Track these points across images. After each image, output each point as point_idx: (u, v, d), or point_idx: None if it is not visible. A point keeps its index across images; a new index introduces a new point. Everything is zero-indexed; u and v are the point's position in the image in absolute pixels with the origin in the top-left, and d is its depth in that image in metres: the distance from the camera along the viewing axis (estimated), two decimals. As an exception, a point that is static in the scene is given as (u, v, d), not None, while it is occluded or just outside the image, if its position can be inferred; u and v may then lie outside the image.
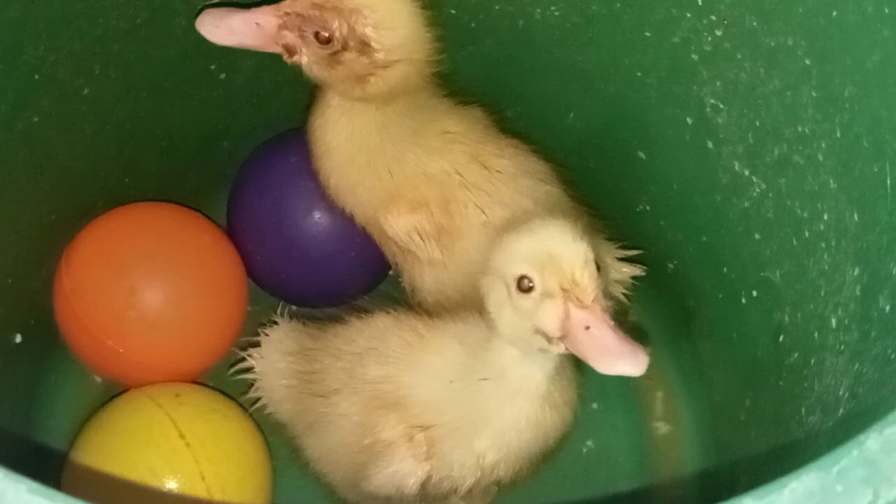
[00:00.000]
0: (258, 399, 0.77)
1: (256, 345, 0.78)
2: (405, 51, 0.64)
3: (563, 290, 0.55)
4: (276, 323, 0.78)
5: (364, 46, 0.63)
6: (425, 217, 0.71)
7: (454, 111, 0.73)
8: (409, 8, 0.64)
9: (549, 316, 0.55)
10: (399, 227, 0.72)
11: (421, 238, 0.72)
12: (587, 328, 0.54)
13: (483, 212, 0.71)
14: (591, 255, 0.56)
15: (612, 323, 0.54)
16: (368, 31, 0.63)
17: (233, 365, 0.79)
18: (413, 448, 0.64)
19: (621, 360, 0.53)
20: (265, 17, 0.63)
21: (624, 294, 0.77)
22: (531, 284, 0.56)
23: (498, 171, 0.73)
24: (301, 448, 0.74)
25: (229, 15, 0.64)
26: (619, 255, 0.77)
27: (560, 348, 0.56)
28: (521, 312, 0.57)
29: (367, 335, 0.69)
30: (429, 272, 0.74)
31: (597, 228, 0.78)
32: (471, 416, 0.63)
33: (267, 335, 0.77)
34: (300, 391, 0.72)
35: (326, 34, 0.63)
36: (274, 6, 0.64)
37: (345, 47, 0.63)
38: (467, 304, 0.73)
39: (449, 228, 0.72)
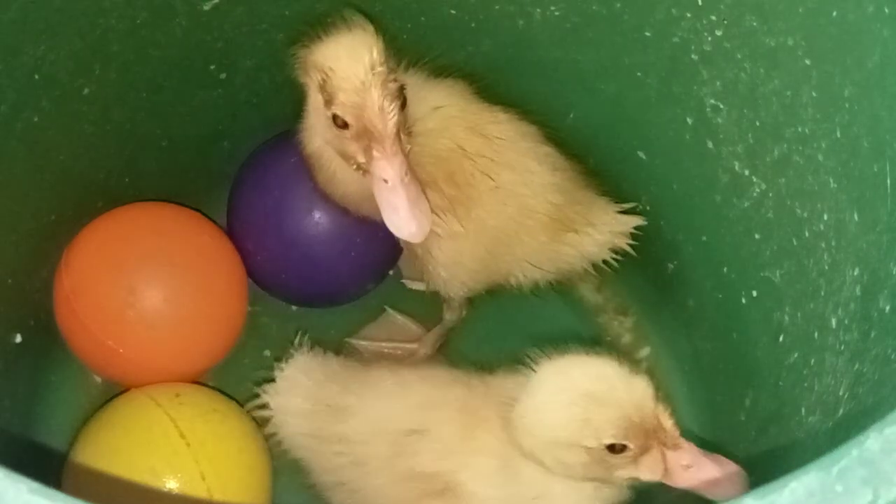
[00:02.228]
0: (274, 435, 0.74)
1: (273, 380, 0.74)
2: None
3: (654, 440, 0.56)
4: (292, 356, 0.74)
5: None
6: (436, 194, 0.70)
7: (437, 85, 0.73)
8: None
9: (651, 470, 0.57)
10: None
11: (437, 215, 0.71)
12: (688, 467, 0.57)
13: (490, 177, 0.72)
14: (653, 391, 0.56)
15: (704, 454, 0.57)
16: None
17: (248, 400, 0.76)
18: None
19: (731, 488, 0.57)
20: (393, 173, 0.62)
21: (629, 245, 0.78)
22: (624, 447, 0.56)
23: (498, 137, 0.73)
24: (324, 493, 0.71)
25: (401, 206, 0.62)
26: (616, 209, 0.78)
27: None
28: (613, 467, 0.57)
29: (415, 408, 0.66)
30: (446, 246, 0.74)
31: (590, 184, 0.78)
32: None
33: (283, 370, 0.73)
34: (330, 450, 0.69)
35: (403, 96, 0.64)
36: (381, 160, 0.62)
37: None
38: (482, 279, 0.76)
39: (460, 198, 0.72)
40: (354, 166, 0.65)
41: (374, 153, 0.63)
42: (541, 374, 0.58)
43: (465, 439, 0.64)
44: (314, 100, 0.66)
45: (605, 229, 0.77)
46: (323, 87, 0.64)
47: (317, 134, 0.69)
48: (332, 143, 0.67)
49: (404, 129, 0.64)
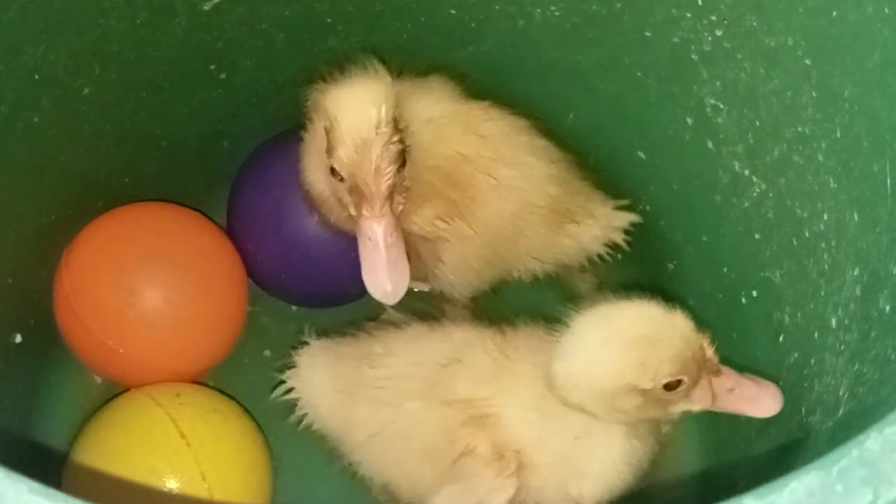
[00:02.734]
0: (301, 419, 0.74)
1: (292, 366, 0.74)
2: None
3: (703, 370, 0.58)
4: (307, 343, 0.75)
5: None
6: (441, 201, 0.71)
7: (423, 92, 0.73)
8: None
9: (702, 399, 0.59)
10: (423, 222, 0.72)
11: (445, 221, 0.72)
12: (731, 390, 0.59)
13: (490, 175, 0.72)
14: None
15: (741, 375, 0.59)
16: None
17: (273, 389, 0.75)
18: (503, 467, 0.62)
19: (772, 405, 0.59)
20: (378, 233, 0.63)
21: (627, 242, 0.79)
22: (679, 382, 0.57)
23: (492, 135, 0.73)
24: (351, 459, 0.71)
25: (380, 267, 0.64)
26: (612, 205, 0.78)
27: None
28: (668, 403, 0.58)
29: (451, 345, 0.67)
30: (454, 249, 0.74)
31: (584, 176, 0.78)
32: (564, 462, 0.62)
33: (300, 355, 0.74)
34: (361, 399, 0.69)
35: (403, 158, 0.64)
36: (369, 220, 0.63)
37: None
38: (487, 277, 0.76)
39: (464, 200, 0.72)
40: (346, 214, 0.66)
41: (364, 212, 0.63)
42: (581, 328, 0.58)
43: (502, 369, 0.64)
44: (320, 140, 0.66)
45: (603, 222, 0.78)
46: (327, 134, 0.64)
47: (319, 171, 0.69)
48: (328, 187, 0.68)
49: (400, 188, 0.64)
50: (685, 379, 0.57)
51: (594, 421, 0.61)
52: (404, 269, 0.64)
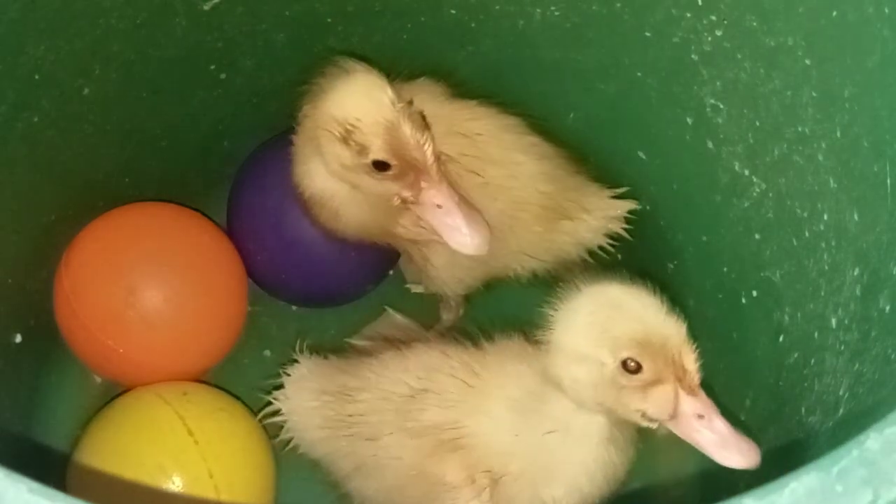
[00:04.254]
0: (290, 440, 0.74)
1: (281, 386, 0.74)
2: None
3: (671, 373, 0.55)
4: (296, 361, 0.75)
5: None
6: None
7: (407, 94, 0.72)
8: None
9: (660, 402, 0.55)
10: (410, 224, 0.72)
11: None
12: (699, 417, 0.55)
13: (477, 174, 0.72)
14: (685, 333, 0.56)
15: (719, 412, 0.55)
16: None
17: (260, 410, 0.76)
18: (476, 490, 0.62)
19: (738, 455, 0.55)
20: (444, 197, 0.65)
21: (626, 230, 0.78)
22: (639, 367, 0.55)
23: (478, 134, 0.73)
24: (343, 487, 0.72)
25: (461, 224, 0.65)
26: (608, 194, 0.78)
27: (654, 425, 0.57)
28: (623, 393, 0.56)
29: (416, 374, 0.67)
30: (442, 249, 0.74)
31: (581, 170, 0.78)
32: (538, 465, 0.62)
33: (289, 375, 0.74)
34: (343, 434, 0.69)
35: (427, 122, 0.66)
36: (430, 189, 0.65)
37: None
38: (479, 275, 0.76)
39: None
40: (398, 201, 0.67)
41: (422, 184, 0.65)
42: (581, 294, 0.58)
43: (468, 390, 0.64)
44: (332, 150, 0.66)
45: (599, 214, 0.77)
46: (347, 139, 0.64)
47: (317, 175, 0.70)
48: (369, 188, 0.67)
49: (439, 152, 0.65)
50: (645, 367, 0.54)
51: (572, 419, 0.60)
52: (480, 218, 0.66)
